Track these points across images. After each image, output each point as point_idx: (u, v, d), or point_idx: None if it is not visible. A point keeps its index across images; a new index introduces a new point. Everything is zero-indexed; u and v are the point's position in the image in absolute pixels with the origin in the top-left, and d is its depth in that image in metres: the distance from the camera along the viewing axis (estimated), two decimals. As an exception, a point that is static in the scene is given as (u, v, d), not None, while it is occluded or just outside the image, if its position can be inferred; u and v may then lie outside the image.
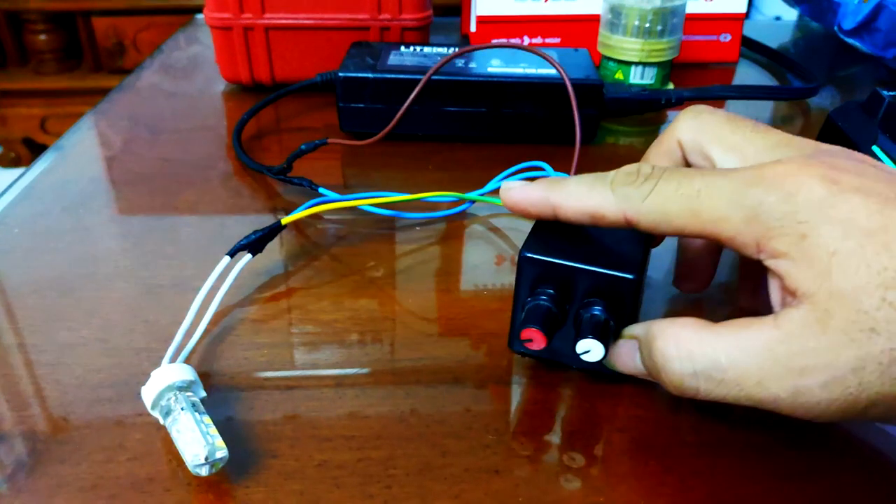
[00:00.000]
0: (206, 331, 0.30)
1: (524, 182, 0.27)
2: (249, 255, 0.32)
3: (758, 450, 0.25)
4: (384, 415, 0.26)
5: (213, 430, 0.23)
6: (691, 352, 0.23)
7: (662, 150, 0.28)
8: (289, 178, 0.40)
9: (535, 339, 0.25)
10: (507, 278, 0.34)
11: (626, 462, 0.24)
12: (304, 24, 0.52)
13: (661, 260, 0.35)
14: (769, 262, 0.22)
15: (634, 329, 0.25)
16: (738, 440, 0.25)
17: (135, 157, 0.45)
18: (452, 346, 0.30)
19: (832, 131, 0.42)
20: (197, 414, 0.24)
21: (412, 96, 0.41)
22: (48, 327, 0.30)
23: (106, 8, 1.85)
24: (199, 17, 0.72)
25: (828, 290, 0.20)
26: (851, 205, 0.21)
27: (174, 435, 0.24)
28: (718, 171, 0.23)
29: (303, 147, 0.41)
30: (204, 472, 0.23)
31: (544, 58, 0.42)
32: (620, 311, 0.26)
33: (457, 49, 0.50)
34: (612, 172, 0.25)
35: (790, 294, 0.22)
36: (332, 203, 0.35)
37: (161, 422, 0.25)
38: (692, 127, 0.27)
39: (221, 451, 0.23)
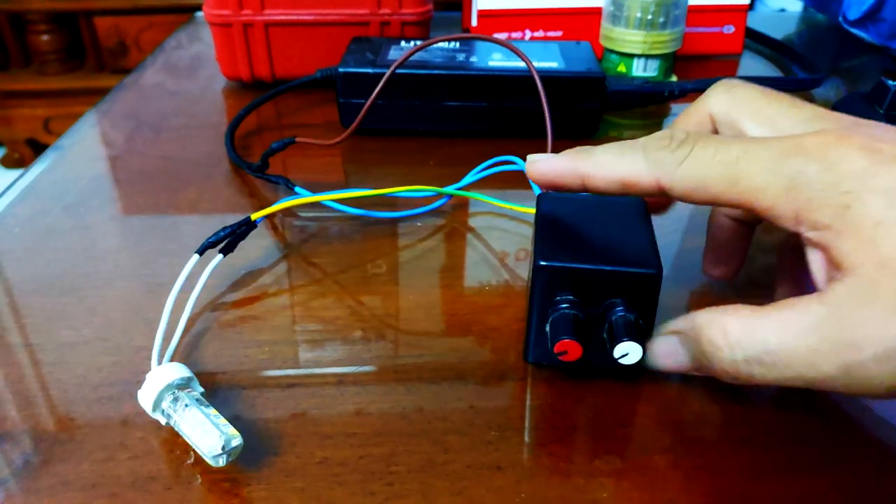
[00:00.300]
0: (195, 329, 0.30)
1: (550, 154, 0.27)
2: (221, 255, 0.32)
3: (764, 445, 0.25)
4: (386, 412, 0.26)
5: (223, 421, 0.23)
6: (740, 339, 0.22)
7: (692, 122, 0.28)
8: (266, 175, 0.40)
9: (571, 350, 0.24)
10: (508, 274, 0.34)
11: (630, 457, 0.24)
12: (303, 20, 0.52)
13: (666, 251, 0.35)
14: (811, 235, 0.22)
15: (676, 324, 0.25)
16: (745, 435, 0.25)
17: (135, 156, 0.45)
18: (454, 342, 0.29)
19: (837, 122, 0.41)
20: (203, 407, 0.24)
21: (376, 91, 0.41)
22: (49, 326, 0.30)
23: (107, 8, 1.85)
24: (200, 14, 0.72)
25: (874, 260, 0.20)
26: (895, 174, 0.20)
27: (185, 432, 0.24)
28: (756, 139, 0.23)
29: (273, 146, 0.41)
30: (222, 461, 0.23)
31: (513, 51, 0.42)
32: (644, 306, 0.25)
33: (457, 42, 0.50)
34: (644, 138, 0.25)
35: (835, 267, 0.21)
36: (302, 199, 0.35)
37: (164, 423, 0.25)
38: (725, 100, 0.26)
39: (236, 439, 0.23)
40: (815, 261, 0.22)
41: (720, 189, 0.23)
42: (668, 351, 0.25)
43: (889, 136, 0.21)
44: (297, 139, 0.41)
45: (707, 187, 0.23)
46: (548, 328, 0.25)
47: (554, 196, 0.28)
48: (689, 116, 0.28)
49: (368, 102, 0.41)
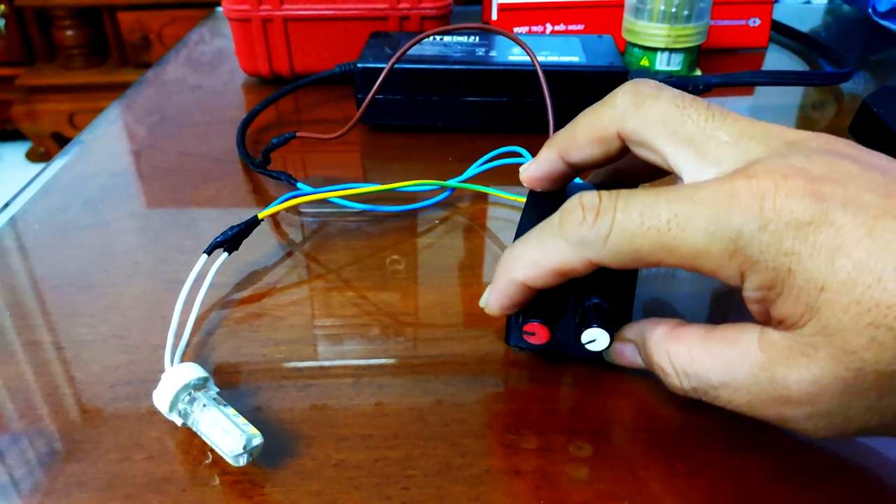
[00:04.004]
0: (208, 328, 0.30)
1: (489, 288, 0.26)
2: (226, 254, 0.31)
3: (789, 451, 0.24)
4: (402, 413, 0.26)
5: (242, 420, 0.23)
6: (686, 371, 0.22)
7: (595, 137, 0.26)
8: (268, 171, 0.40)
9: (538, 333, 0.25)
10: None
11: (652, 464, 0.24)
12: (322, 15, 0.52)
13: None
14: (753, 295, 0.21)
15: (630, 334, 0.25)
16: (769, 441, 0.24)
17: (155, 151, 0.45)
18: (473, 342, 0.29)
19: (867, 117, 0.40)
20: (221, 407, 0.24)
21: (377, 85, 0.40)
22: (67, 323, 0.30)
23: (131, 3, 1.87)
24: (220, 9, 0.72)
25: (815, 326, 0.19)
26: (839, 228, 0.19)
27: (204, 432, 0.23)
28: (683, 191, 0.21)
29: (273, 141, 0.41)
30: (243, 461, 0.23)
31: (518, 43, 0.41)
32: (619, 295, 0.25)
33: (476, 37, 0.49)
34: (557, 217, 0.23)
35: (776, 320, 0.21)
36: (307, 196, 0.34)
37: (180, 423, 0.24)
38: (636, 118, 0.24)
39: (257, 438, 0.23)
40: (756, 308, 0.21)
41: (657, 258, 0.21)
42: (626, 355, 0.26)
43: (829, 170, 0.20)
44: (298, 133, 0.41)
45: (643, 258, 0.21)
46: (520, 310, 0.26)
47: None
48: (591, 130, 0.26)
49: (369, 97, 0.41)
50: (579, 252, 0.22)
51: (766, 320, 0.21)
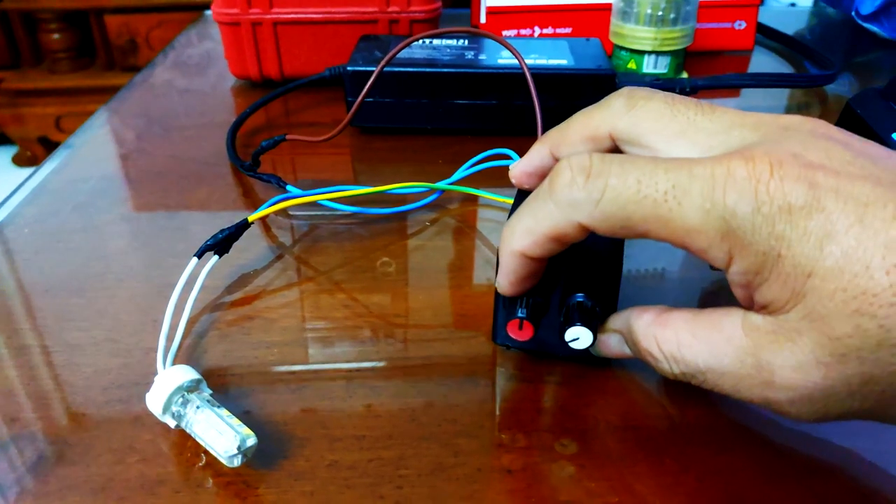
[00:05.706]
0: (200, 331, 0.30)
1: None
2: (216, 256, 0.32)
3: (777, 448, 0.24)
4: (395, 414, 0.26)
5: (236, 421, 0.23)
6: (674, 355, 0.23)
7: (587, 136, 0.26)
8: (258, 174, 0.40)
9: (523, 329, 0.26)
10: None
11: (641, 461, 0.24)
12: (312, 19, 0.52)
13: (664, 253, 0.34)
14: (739, 279, 0.21)
15: (616, 324, 0.25)
16: (757, 438, 0.25)
17: (145, 155, 0.45)
18: (464, 342, 0.29)
19: (851, 119, 0.41)
20: (215, 409, 0.24)
21: (366, 88, 0.41)
22: (59, 328, 0.30)
23: (118, 6, 1.86)
24: (209, 13, 0.72)
25: (800, 311, 0.19)
26: (829, 214, 0.19)
27: (198, 433, 0.23)
28: (682, 162, 0.21)
29: (263, 144, 0.41)
30: (237, 462, 0.23)
31: (507, 47, 0.42)
32: (603, 294, 0.26)
33: (466, 40, 0.49)
34: (548, 182, 0.23)
35: (760, 305, 0.21)
36: (296, 199, 0.35)
37: (173, 425, 0.25)
38: (627, 118, 0.24)
39: (251, 439, 0.23)
40: (740, 292, 0.22)
41: (648, 228, 0.21)
42: (611, 345, 0.26)
43: (822, 156, 0.20)
44: (288, 136, 0.41)
45: (634, 226, 0.21)
46: (503, 308, 0.26)
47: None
48: (583, 128, 0.26)
49: (359, 100, 0.41)
50: (569, 215, 0.22)
51: (750, 304, 0.21)
